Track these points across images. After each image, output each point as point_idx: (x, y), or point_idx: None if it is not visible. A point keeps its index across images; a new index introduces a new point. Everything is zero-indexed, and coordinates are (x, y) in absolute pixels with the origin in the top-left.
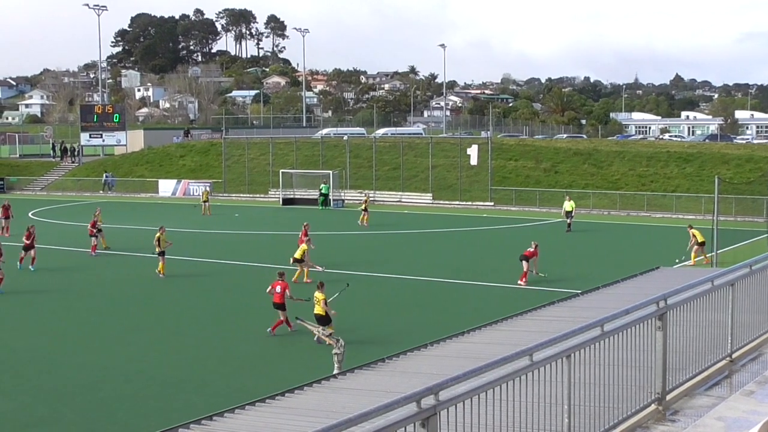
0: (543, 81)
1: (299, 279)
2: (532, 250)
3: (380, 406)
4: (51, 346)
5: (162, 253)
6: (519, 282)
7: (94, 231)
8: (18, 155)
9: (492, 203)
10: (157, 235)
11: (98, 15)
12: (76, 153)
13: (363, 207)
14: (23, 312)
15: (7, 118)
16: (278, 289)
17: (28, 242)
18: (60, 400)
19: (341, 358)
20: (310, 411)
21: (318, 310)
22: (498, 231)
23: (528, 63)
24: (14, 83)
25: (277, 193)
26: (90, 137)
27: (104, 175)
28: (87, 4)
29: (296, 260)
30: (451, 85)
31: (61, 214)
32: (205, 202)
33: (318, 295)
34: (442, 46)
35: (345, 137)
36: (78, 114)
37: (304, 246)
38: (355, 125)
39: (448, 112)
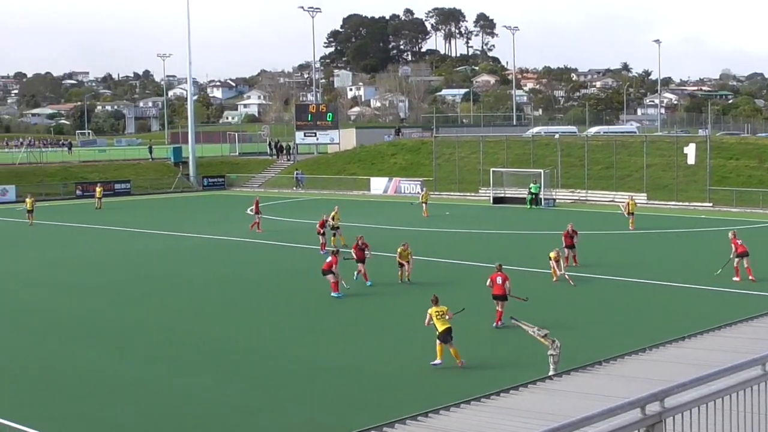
0: (766, 76)
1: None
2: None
3: (603, 410)
4: (271, 338)
5: (336, 228)
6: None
7: (322, 230)
8: (237, 153)
9: (710, 204)
10: (332, 213)
11: (312, 17)
12: (291, 151)
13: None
14: (249, 304)
15: (227, 118)
16: (498, 280)
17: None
18: (278, 389)
19: (557, 360)
20: (525, 412)
21: (444, 325)
22: (717, 233)
23: (747, 58)
24: (234, 84)
25: (488, 191)
26: (304, 136)
27: (295, 172)
28: (302, 7)
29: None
30: (666, 81)
31: (279, 210)
32: (424, 202)
33: (440, 309)
34: (657, 41)
35: (556, 136)
36: (293, 113)
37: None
38: (566, 123)
39: (662, 110)
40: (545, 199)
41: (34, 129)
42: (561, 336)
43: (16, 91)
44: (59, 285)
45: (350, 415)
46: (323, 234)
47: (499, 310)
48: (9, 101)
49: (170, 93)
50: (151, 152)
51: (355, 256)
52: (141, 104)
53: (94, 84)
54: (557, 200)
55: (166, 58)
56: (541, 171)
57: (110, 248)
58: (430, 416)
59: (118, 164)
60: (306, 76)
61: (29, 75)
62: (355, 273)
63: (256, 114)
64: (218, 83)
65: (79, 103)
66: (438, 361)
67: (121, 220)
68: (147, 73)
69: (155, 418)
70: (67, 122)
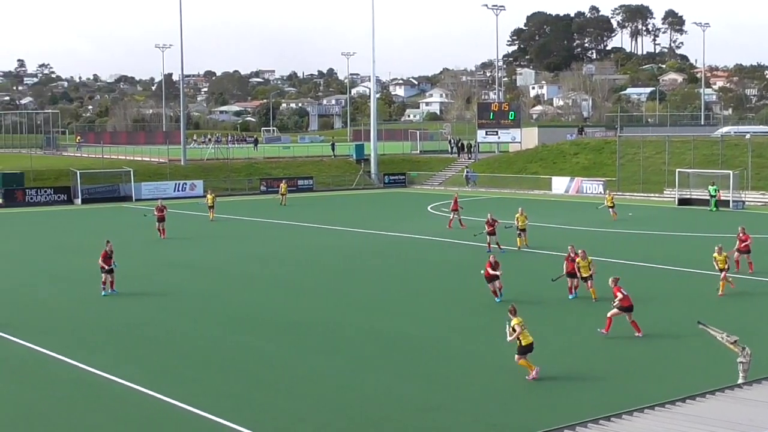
0: None
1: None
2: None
3: None
4: (445, 335)
5: (522, 230)
6: None
7: (492, 228)
8: (418, 151)
9: None
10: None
11: (496, 15)
12: (471, 149)
13: None
14: (425, 301)
15: (409, 116)
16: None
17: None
18: (454, 388)
19: (747, 368)
20: (713, 420)
21: (529, 339)
22: None
23: None
24: (416, 82)
25: (673, 192)
26: (486, 134)
27: (465, 170)
28: (486, 5)
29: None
30: None
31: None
32: (611, 207)
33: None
34: None
35: (747, 136)
36: (474, 111)
37: None
38: (758, 123)
39: None
40: (733, 201)
41: (222, 126)
42: (748, 343)
43: (206, 89)
44: (242, 277)
45: (527, 416)
46: (493, 233)
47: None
48: (198, 99)
49: (353, 91)
50: (333, 149)
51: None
52: (324, 102)
53: (279, 82)
54: (746, 203)
55: (350, 57)
56: (730, 172)
57: (293, 243)
58: (613, 420)
59: (302, 161)
60: (488, 74)
61: (218, 73)
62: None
63: (438, 112)
64: (401, 81)
65: (264, 100)
66: (534, 374)
67: (304, 216)
68: (331, 71)
69: (333, 411)
70: (253, 119)
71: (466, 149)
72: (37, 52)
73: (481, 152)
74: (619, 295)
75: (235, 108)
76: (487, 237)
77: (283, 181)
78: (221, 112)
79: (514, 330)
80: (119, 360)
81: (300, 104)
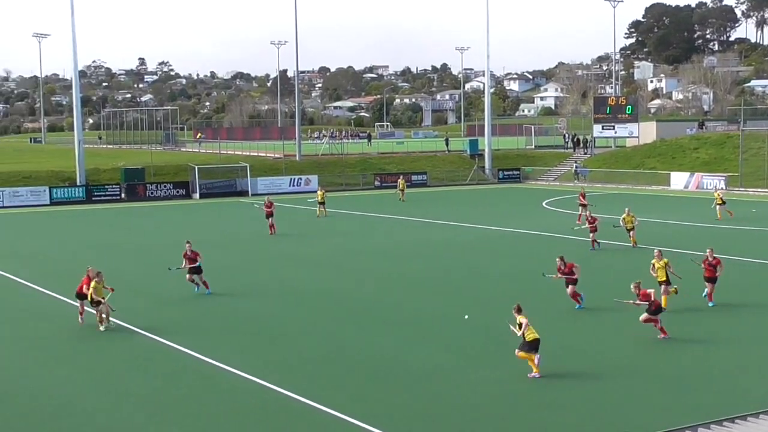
0: None
1: None
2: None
3: None
4: (557, 334)
5: (630, 229)
6: None
7: (593, 225)
8: (533, 146)
9: None
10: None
11: (614, 7)
12: (587, 144)
13: None
14: (537, 298)
15: (523, 111)
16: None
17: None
18: (566, 386)
19: None
20: None
21: (535, 335)
22: None
23: None
24: (531, 77)
25: None
26: (602, 129)
27: (575, 165)
28: None
29: None
30: None
31: (571, 204)
32: (720, 204)
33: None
34: None
35: None
36: (591, 106)
37: None
38: None
39: None
40: None
41: (336, 121)
42: None
43: (320, 85)
44: (357, 272)
45: (644, 416)
46: (595, 229)
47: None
48: (313, 95)
49: (467, 86)
50: (447, 144)
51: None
52: (438, 97)
53: (393, 77)
54: None
55: (464, 51)
56: None
57: (407, 238)
58: (737, 422)
59: (415, 156)
60: (605, 68)
61: (332, 69)
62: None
63: (553, 107)
64: (515, 76)
65: (378, 96)
66: (535, 374)
67: (419, 212)
68: (445, 66)
69: (449, 407)
70: (367, 115)
71: (581, 144)
72: (157, 51)
73: (597, 147)
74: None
75: (349, 104)
76: (590, 234)
77: (401, 177)
78: (335, 107)
79: (520, 326)
80: (236, 352)
81: (413, 100)
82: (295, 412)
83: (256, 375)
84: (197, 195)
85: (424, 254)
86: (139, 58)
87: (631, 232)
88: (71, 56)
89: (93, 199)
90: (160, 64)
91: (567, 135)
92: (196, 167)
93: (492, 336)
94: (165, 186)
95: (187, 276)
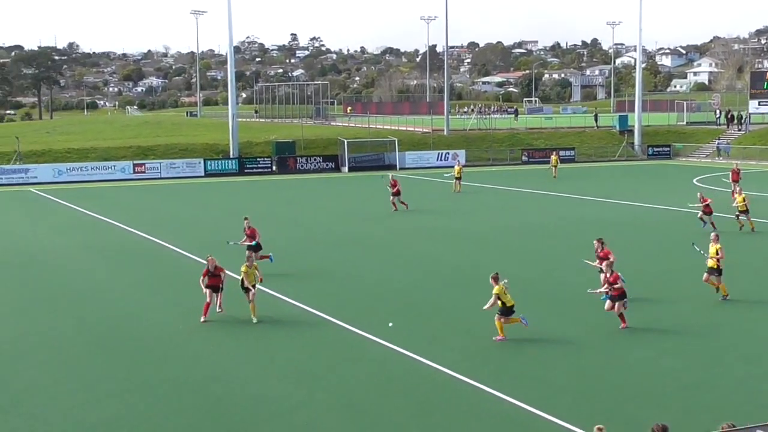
0: None
1: None
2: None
3: None
4: (704, 317)
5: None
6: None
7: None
8: (684, 122)
9: None
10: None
11: None
12: (742, 121)
13: None
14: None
15: (675, 86)
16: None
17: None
18: (716, 366)
19: None
20: None
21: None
22: None
23: None
24: (684, 52)
25: None
26: (758, 105)
27: (717, 142)
28: None
29: None
30: None
31: (721, 182)
32: None
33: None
34: None
35: None
36: (747, 81)
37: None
38: None
39: None
40: None
41: (484, 96)
42: None
43: (469, 60)
44: (502, 247)
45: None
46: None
47: None
48: (461, 70)
49: (617, 61)
50: (596, 120)
51: None
52: (587, 72)
53: (542, 53)
54: None
55: (615, 26)
56: None
57: (554, 214)
58: None
59: (564, 132)
60: (763, 41)
61: (481, 45)
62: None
63: (706, 82)
64: (667, 51)
65: (527, 71)
66: (501, 338)
67: (567, 187)
68: (595, 41)
69: (592, 382)
70: (515, 90)
71: (735, 120)
72: (309, 27)
73: (753, 124)
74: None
75: (497, 79)
76: (705, 217)
77: (555, 153)
78: (483, 83)
79: (498, 297)
80: (381, 323)
81: (562, 75)
82: (438, 382)
83: (398, 344)
84: (346, 168)
85: (569, 230)
86: (291, 34)
87: (744, 216)
88: (227, 33)
89: (245, 171)
90: (311, 39)
91: (720, 111)
92: (346, 141)
93: (638, 310)
94: (315, 159)
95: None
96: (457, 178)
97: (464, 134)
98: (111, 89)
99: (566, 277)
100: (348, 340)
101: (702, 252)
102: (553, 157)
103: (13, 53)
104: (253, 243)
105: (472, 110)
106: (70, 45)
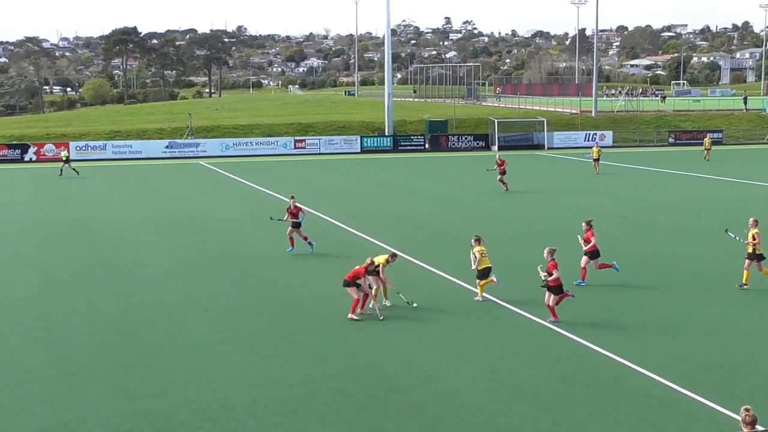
0: None
1: None
2: None
3: None
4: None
5: None
6: None
7: None
8: None
9: None
10: None
11: None
12: None
13: None
14: None
15: None
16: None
17: None
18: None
19: None
20: None
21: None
22: None
23: None
24: None
25: None
26: None
27: None
28: None
29: None
30: None
31: None
32: None
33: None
34: None
35: None
36: None
37: None
38: None
39: None
40: None
41: (632, 79)
42: None
43: (617, 43)
44: (646, 226)
45: None
46: None
47: None
48: (610, 53)
49: None
50: (745, 103)
51: None
52: (738, 55)
53: (691, 36)
54: None
55: None
56: None
57: (702, 196)
58: None
59: (711, 114)
60: None
61: (630, 28)
62: None
63: None
64: None
65: (675, 54)
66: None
67: (715, 169)
68: (746, 24)
69: (740, 362)
70: (663, 73)
71: None
72: (462, 10)
73: None
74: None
75: (645, 62)
76: None
77: (708, 136)
78: (632, 65)
79: (475, 257)
80: (526, 295)
81: (712, 58)
82: (579, 354)
83: (576, 334)
84: (496, 147)
85: (714, 210)
86: (445, 18)
87: None
88: (384, 16)
89: (399, 148)
90: (464, 23)
91: None
92: (496, 121)
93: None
94: (466, 138)
95: (288, 230)
96: (595, 160)
97: (612, 116)
98: (275, 69)
99: (712, 255)
100: (493, 312)
101: (738, 238)
102: (706, 140)
103: (187, 36)
104: (299, 221)
105: (620, 92)
106: (239, 28)
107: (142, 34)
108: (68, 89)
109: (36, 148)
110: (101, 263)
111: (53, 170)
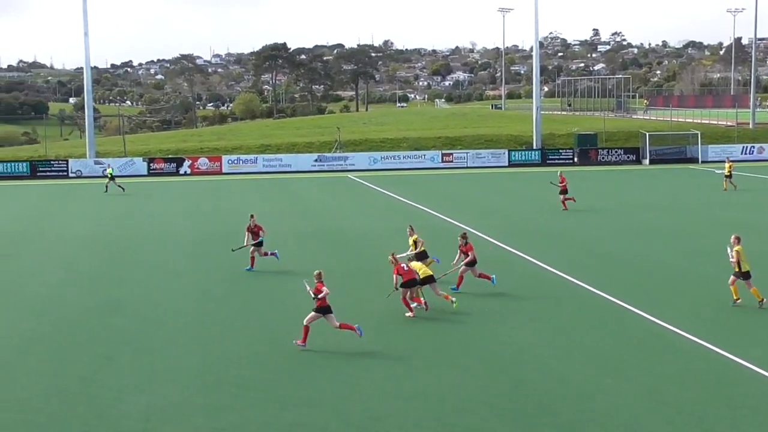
0: None
1: None
2: None
3: None
4: None
5: None
6: None
7: None
8: None
9: None
10: None
11: None
12: None
13: None
14: None
15: None
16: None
17: None
18: None
19: None
20: None
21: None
22: None
23: None
24: None
25: None
26: None
27: None
28: None
29: None
30: None
31: None
32: None
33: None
34: None
35: None
36: None
37: None
38: None
39: None
40: None
41: None
42: None
43: None
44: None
45: None
46: None
47: None
48: None
49: None
50: None
51: None
52: None
53: None
54: None
55: None
56: None
57: None
58: None
59: None
60: None
61: None
62: None
63: None
64: None
65: None
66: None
67: None
68: None
69: None
70: None
71: None
72: (611, 22)
73: None
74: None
75: None
76: None
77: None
78: None
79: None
80: (685, 314)
81: None
82: (745, 377)
83: (708, 340)
84: (647, 161)
85: None
86: (593, 29)
87: None
88: (531, 29)
89: (547, 162)
90: (612, 34)
91: None
92: (647, 134)
93: None
94: (616, 151)
95: (251, 249)
96: (726, 176)
97: None
98: (421, 83)
99: None
100: (652, 331)
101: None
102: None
103: (335, 51)
104: (260, 240)
105: None
106: (385, 42)
107: (291, 50)
108: (220, 104)
109: (190, 161)
110: (254, 273)
111: (207, 183)
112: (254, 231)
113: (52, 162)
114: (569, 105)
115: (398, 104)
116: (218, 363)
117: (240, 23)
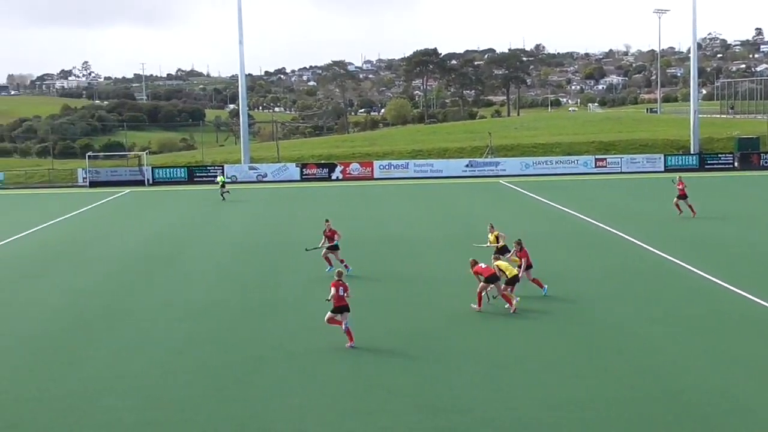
0: None
1: None
2: None
3: None
4: None
5: None
6: None
7: None
8: None
9: None
10: None
11: None
12: None
13: None
14: None
15: None
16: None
17: None
18: None
19: None
20: None
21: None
22: None
23: None
24: None
25: None
26: None
27: None
28: None
29: None
30: None
31: None
32: None
33: None
34: None
35: None
36: None
37: None
38: None
39: None
40: None
41: None
42: None
43: None
44: None
45: None
46: None
47: None
48: None
49: None
50: None
51: None
52: None
53: None
54: None
55: None
56: None
57: None
58: None
59: None
60: None
61: None
62: None
63: None
64: None
65: None
66: None
67: None
68: None
69: None
70: None
71: None
72: None
73: None
74: None
75: None
76: None
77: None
78: None
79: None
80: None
81: None
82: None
83: None
84: None
85: None
86: (756, 29)
87: None
88: (689, 30)
89: (705, 167)
90: None
91: None
92: None
93: None
94: None
95: (323, 252)
96: None
97: None
98: (573, 87)
99: None
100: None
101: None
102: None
103: (486, 56)
104: (335, 243)
105: None
106: (537, 46)
107: (441, 55)
108: (371, 110)
109: (342, 167)
110: (409, 276)
111: (358, 188)
112: (329, 236)
113: (208, 167)
114: (732, 108)
115: (549, 109)
116: (368, 368)
117: (391, 29)
